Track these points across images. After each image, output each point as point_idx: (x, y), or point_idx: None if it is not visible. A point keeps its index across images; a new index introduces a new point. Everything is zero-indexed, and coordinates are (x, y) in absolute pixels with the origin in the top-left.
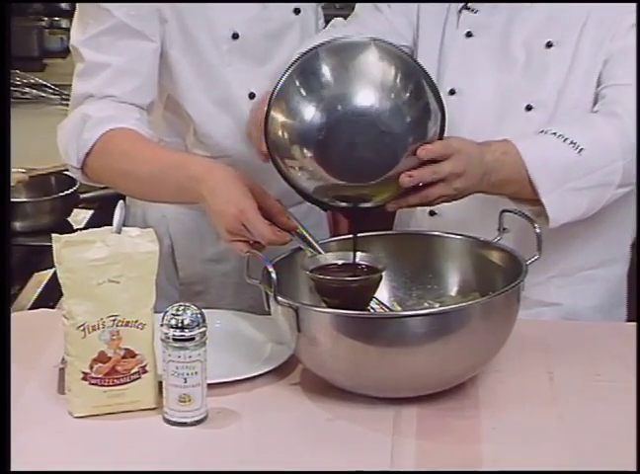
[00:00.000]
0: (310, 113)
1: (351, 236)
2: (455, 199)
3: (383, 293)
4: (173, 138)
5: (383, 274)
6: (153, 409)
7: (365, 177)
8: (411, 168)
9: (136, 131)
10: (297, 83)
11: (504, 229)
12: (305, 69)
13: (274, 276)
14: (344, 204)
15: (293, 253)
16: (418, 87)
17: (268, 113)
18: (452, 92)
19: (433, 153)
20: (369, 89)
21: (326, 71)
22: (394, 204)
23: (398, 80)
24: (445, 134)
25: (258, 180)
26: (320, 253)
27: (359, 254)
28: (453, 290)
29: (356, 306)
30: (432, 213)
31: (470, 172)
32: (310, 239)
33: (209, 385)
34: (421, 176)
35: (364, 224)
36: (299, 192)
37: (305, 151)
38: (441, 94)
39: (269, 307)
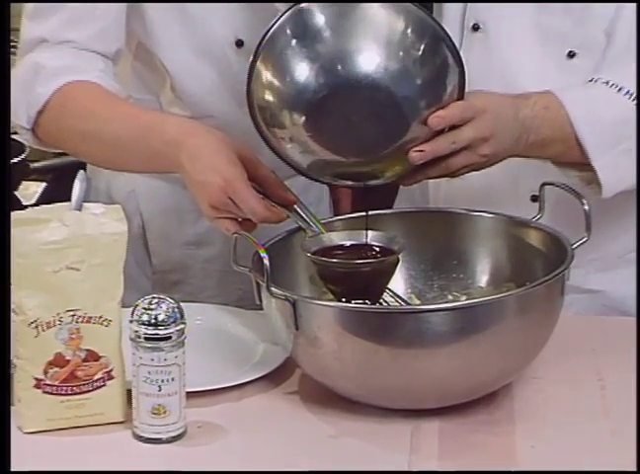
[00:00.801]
0: (304, 72)
1: (358, 214)
2: (485, 167)
3: (399, 284)
4: (145, 95)
5: (400, 257)
6: (121, 423)
7: (369, 151)
8: (425, 138)
9: (100, 85)
10: (290, 34)
11: (544, 207)
12: (301, 19)
13: (267, 262)
14: (348, 183)
15: (291, 234)
16: (430, 41)
17: (252, 67)
18: (476, 27)
19: (447, 120)
20: (374, 46)
21: (325, 24)
22: (410, 179)
23: (407, 35)
24: (468, 89)
25: (248, 146)
26: (323, 232)
27: (370, 233)
28: (483, 280)
29: (367, 296)
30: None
31: (501, 133)
32: (311, 217)
33: (189, 394)
34: (435, 149)
35: (366, 201)
36: (293, 167)
37: (296, 118)
38: (465, 31)
39: (260, 300)
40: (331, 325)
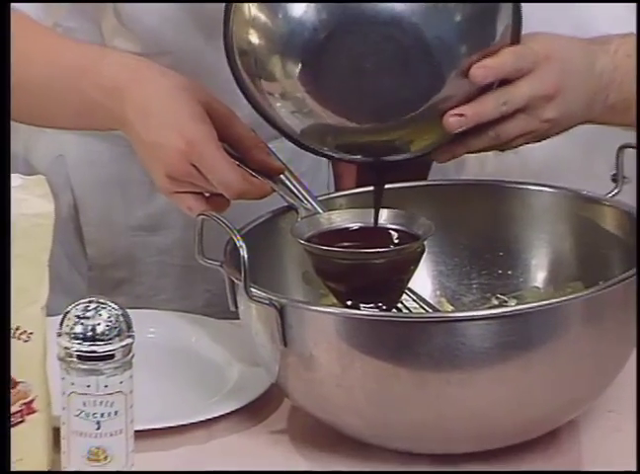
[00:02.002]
0: (301, 4)
1: (368, 189)
2: (548, 137)
3: (425, 283)
4: (79, 22)
5: (425, 245)
6: (45, 473)
7: (388, 113)
8: (465, 97)
9: (16, 10)
10: None
11: (623, 178)
12: None
13: (244, 253)
14: (357, 157)
15: (277, 216)
16: None
17: None
18: None
19: (496, 72)
20: None
21: None
22: (445, 153)
23: None
24: (525, 31)
25: (221, 98)
26: (320, 212)
27: (385, 212)
28: (540, 278)
29: (380, 299)
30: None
31: (570, 90)
32: (304, 191)
33: (138, 434)
34: (479, 112)
35: (387, 177)
36: (283, 133)
37: (290, 67)
38: None
39: (235, 306)
40: (332, 339)
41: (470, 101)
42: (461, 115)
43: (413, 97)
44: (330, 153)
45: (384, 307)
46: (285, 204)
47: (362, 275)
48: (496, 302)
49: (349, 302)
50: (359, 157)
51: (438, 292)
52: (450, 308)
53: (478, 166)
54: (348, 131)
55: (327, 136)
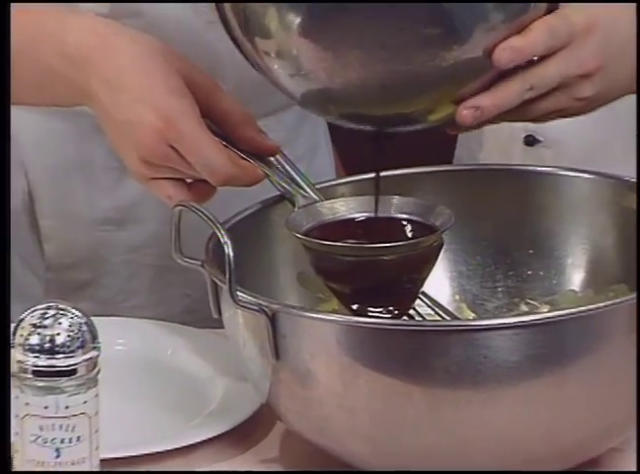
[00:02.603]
0: None
1: (376, 174)
2: (585, 112)
3: (442, 285)
4: None
5: (444, 239)
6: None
7: (397, 86)
8: (487, 75)
9: None
10: None
11: None
12: None
13: (229, 250)
14: (365, 127)
15: (268, 206)
16: None
17: None
18: None
19: (525, 53)
20: None
21: None
22: (468, 120)
23: None
24: None
25: (204, 66)
26: (320, 200)
27: (396, 200)
28: (577, 280)
29: (390, 303)
30: (530, 143)
31: (614, 64)
32: (302, 176)
33: (105, 463)
34: (500, 102)
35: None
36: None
37: (289, 20)
38: None
39: (219, 313)
40: (333, 351)
41: (493, 78)
42: (477, 107)
43: (427, 70)
44: (334, 120)
45: (396, 313)
46: (278, 193)
47: (370, 274)
48: (525, 308)
49: (355, 306)
50: (367, 126)
51: (457, 297)
52: (472, 315)
53: (502, 158)
54: (355, 98)
55: (330, 103)
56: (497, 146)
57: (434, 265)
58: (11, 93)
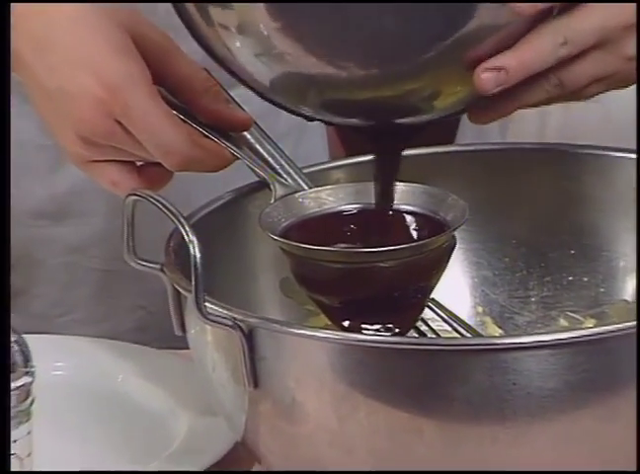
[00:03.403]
0: None
1: (375, 156)
2: (635, 82)
3: (459, 294)
4: None
5: (457, 237)
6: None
7: (394, 55)
8: (507, 34)
9: None
10: None
11: None
12: None
13: (196, 251)
14: (353, 121)
15: (241, 197)
16: None
17: None
18: None
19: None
20: None
21: None
22: (487, 113)
23: None
24: None
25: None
26: (303, 188)
27: (398, 188)
28: (629, 288)
29: (391, 317)
30: None
31: None
32: (283, 158)
33: None
34: (528, 61)
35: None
36: (245, 83)
37: None
38: None
39: (182, 329)
40: (325, 377)
41: (515, 40)
42: (500, 68)
43: (429, 31)
44: (313, 115)
45: (397, 330)
46: (257, 180)
47: (365, 284)
48: (565, 323)
49: (345, 323)
50: (354, 120)
51: (479, 309)
52: (498, 331)
53: (537, 122)
54: (337, 83)
55: (308, 90)
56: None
57: (443, 271)
58: (10, 93)
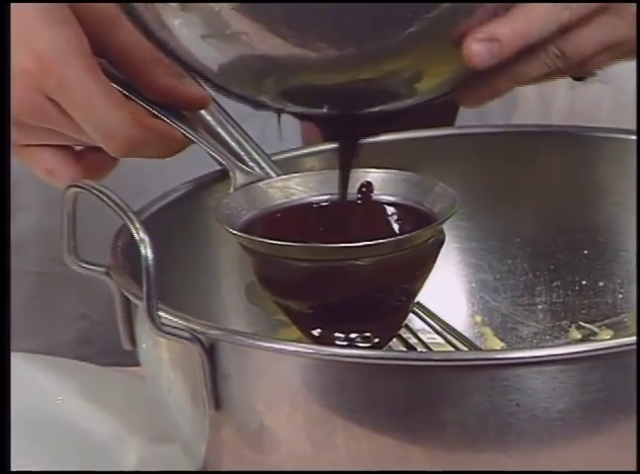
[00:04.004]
0: None
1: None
2: None
3: (454, 299)
4: None
5: (445, 234)
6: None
7: (367, 30)
8: (498, 4)
9: None
10: None
11: None
12: None
13: (147, 251)
14: (321, 111)
15: (199, 189)
16: None
17: None
18: None
19: None
20: None
21: None
22: (478, 92)
23: None
24: None
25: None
26: (273, 176)
27: (378, 175)
28: None
29: (367, 326)
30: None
31: None
32: (244, 142)
33: None
34: (524, 29)
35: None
36: (189, 68)
37: None
38: None
39: (132, 342)
40: (299, 397)
41: (508, 7)
42: (492, 38)
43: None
44: (272, 104)
45: (376, 340)
46: (219, 168)
47: (338, 286)
48: (577, 335)
49: (315, 332)
50: (322, 110)
51: (478, 318)
52: (499, 345)
53: (540, 107)
54: (300, 66)
55: (267, 77)
56: (531, 88)
57: (429, 271)
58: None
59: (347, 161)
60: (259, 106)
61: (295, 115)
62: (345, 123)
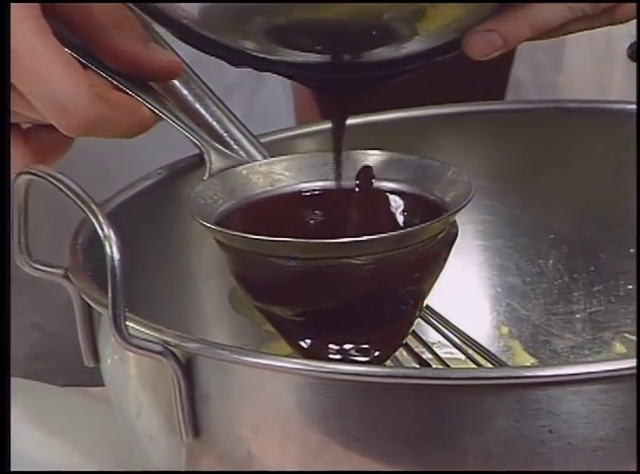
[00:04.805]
0: None
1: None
2: None
3: (478, 307)
4: None
5: (458, 224)
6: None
7: None
8: None
9: None
10: None
11: None
12: None
13: (113, 250)
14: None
15: (176, 175)
16: None
17: None
18: None
19: None
20: None
21: None
22: (489, 38)
23: None
24: None
25: None
26: (258, 159)
27: (377, 156)
28: None
29: (362, 337)
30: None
31: None
32: (224, 118)
33: None
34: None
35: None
36: (160, 20)
37: None
38: None
39: (96, 359)
40: (291, 422)
41: None
42: (489, 30)
43: None
44: (257, 52)
45: (376, 353)
46: (196, 155)
47: (332, 288)
48: (622, 348)
49: (304, 343)
50: (314, 58)
51: (504, 329)
52: (530, 361)
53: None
54: (285, 7)
55: (253, 13)
56: (585, 64)
57: (440, 271)
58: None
59: (341, 125)
60: (240, 60)
61: (285, 74)
62: (341, 77)
